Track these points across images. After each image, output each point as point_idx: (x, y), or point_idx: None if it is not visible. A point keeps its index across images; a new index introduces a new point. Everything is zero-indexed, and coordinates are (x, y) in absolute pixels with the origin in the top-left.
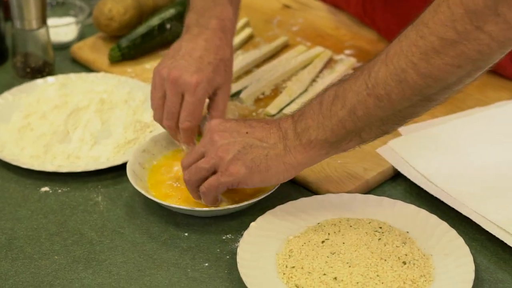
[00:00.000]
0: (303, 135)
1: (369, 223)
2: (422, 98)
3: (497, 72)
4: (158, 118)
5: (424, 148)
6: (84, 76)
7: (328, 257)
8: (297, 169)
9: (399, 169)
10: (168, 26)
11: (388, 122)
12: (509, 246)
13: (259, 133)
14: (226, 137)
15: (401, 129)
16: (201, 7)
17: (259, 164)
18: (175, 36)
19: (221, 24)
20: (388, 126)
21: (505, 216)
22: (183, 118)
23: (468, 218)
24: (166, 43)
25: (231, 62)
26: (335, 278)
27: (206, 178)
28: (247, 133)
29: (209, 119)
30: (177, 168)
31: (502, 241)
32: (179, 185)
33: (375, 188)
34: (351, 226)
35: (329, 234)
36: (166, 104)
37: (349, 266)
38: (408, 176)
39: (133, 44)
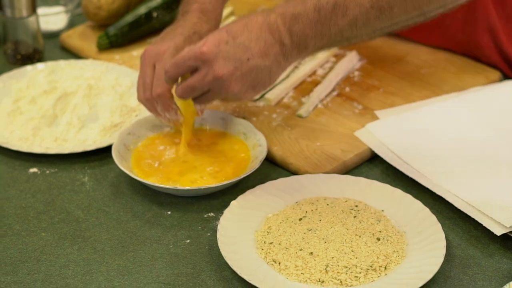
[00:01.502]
0: (301, 44)
1: (346, 201)
2: (419, 13)
3: (474, 56)
4: (139, 97)
5: (400, 131)
6: (73, 62)
7: (304, 233)
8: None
9: (376, 151)
10: (155, 14)
11: (380, 31)
12: (480, 224)
13: (259, 50)
14: (232, 73)
15: (378, 113)
16: None
17: (264, 82)
18: (162, 24)
19: (200, 7)
20: (378, 34)
21: (477, 195)
22: (154, 86)
23: (442, 198)
24: (153, 31)
25: (205, 36)
26: (311, 253)
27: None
28: (248, 59)
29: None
30: (161, 148)
31: (474, 220)
32: (159, 165)
33: (352, 169)
34: (328, 204)
35: (306, 212)
36: (140, 77)
37: (325, 242)
38: (385, 158)
39: (121, 32)
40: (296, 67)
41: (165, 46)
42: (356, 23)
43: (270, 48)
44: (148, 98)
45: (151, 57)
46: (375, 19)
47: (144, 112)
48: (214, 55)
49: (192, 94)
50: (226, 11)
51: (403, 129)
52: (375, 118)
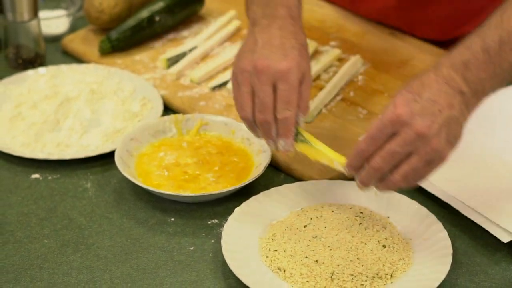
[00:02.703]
0: (478, 89)
1: (351, 208)
2: None
3: None
4: (247, 115)
5: None
6: (74, 67)
7: (310, 240)
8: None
9: None
10: (157, 18)
11: None
12: (487, 231)
13: (445, 104)
14: (432, 127)
15: None
16: None
17: (456, 134)
18: (164, 28)
19: (289, 12)
20: None
21: (484, 202)
22: (281, 108)
23: (448, 204)
24: (155, 35)
25: (307, 48)
26: (316, 261)
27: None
28: (439, 111)
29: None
30: (162, 154)
31: (480, 227)
32: (163, 172)
33: None
34: (333, 211)
35: (311, 218)
36: (257, 96)
37: (330, 249)
38: None
39: (123, 36)
40: None
41: (285, 64)
42: None
43: (453, 99)
44: (267, 121)
45: (269, 74)
46: None
47: (146, 117)
48: (410, 115)
49: (391, 163)
50: (229, 14)
51: None
52: None
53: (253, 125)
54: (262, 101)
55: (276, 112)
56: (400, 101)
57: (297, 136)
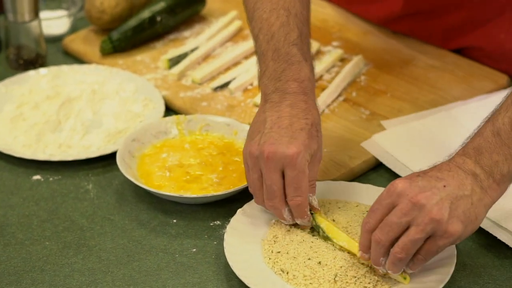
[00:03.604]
0: (494, 172)
1: (356, 206)
2: None
3: (482, 61)
4: (260, 201)
5: (407, 141)
6: (76, 67)
7: (312, 242)
8: (490, 208)
9: (383, 162)
10: (158, 19)
11: None
12: (489, 233)
13: (453, 182)
14: (431, 197)
15: (384, 123)
16: (274, 70)
17: (469, 215)
18: (166, 28)
19: (301, 86)
20: None
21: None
22: (292, 195)
23: None
24: (156, 36)
25: (320, 124)
26: (320, 263)
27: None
28: (444, 186)
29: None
30: (165, 155)
31: (483, 228)
32: (165, 173)
33: (359, 176)
34: (339, 208)
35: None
36: (265, 183)
37: (334, 250)
38: (392, 169)
39: (124, 37)
40: None
41: (293, 149)
42: None
43: (465, 179)
44: (276, 207)
45: (277, 161)
46: None
47: (148, 118)
48: (409, 186)
49: (390, 235)
50: (231, 15)
51: (410, 139)
52: (382, 128)
53: (274, 211)
54: (270, 189)
55: (287, 198)
56: (404, 177)
57: (313, 220)
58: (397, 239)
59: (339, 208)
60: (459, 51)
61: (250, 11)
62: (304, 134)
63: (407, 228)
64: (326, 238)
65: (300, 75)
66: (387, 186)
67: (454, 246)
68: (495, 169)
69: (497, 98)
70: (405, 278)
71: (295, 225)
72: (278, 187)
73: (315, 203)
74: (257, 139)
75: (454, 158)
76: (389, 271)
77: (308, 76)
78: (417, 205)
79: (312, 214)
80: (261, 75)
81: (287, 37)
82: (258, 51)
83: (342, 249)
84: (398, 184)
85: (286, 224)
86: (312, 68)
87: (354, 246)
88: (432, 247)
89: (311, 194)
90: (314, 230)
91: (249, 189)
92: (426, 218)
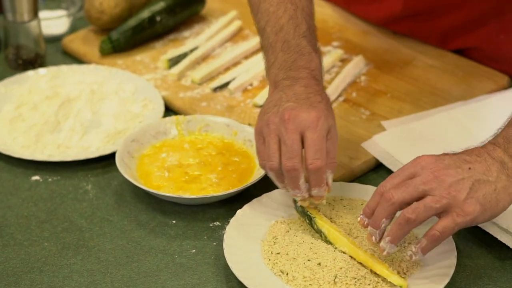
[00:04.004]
0: None
1: (362, 204)
2: None
3: (482, 62)
4: (274, 165)
5: (407, 142)
6: (75, 67)
7: (312, 243)
8: None
9: (384, 163)
10: (158, 19)
11: None
12: (490, 234)
13: (480, 167)
14: (453, 175)
15: (385, 124)
16: (284, 60)
17: (490, 200)
18: (165, 28)
19: (312, 74)
20: None
21: None
22: (312, 157)
23: None
24: (156, 36)
25: (331, 108)
26: (319, 264)
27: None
28: (469, 168)
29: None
30: (164, 155)
31: (484, 229)
32: (164, 174)
33: (360, 177)
34: (344, 206)
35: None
36: (284, 144)
37: (334, 251)
38: (393, 169)
39: (124, 37)
40: None
41: (314, 114)
42: None
43: (492, 166)
44: (296, 168)
45: (298, 123)
46: None
47: (147, 118)
48: (434, 161)
49: (407, 198)
50: (231, 15)
51: (410, 139)
52: (382, 129)
53: (280, 175)
54: (290, 148)
55: (306, 162)
56: (431, 154)
57: (315, 224)
58: (406, 204)
59: (344, 206)
60: (459, 52)
61: (255, 4)
62: (322, 106)
63: (421, 198)
64: (327, 242)
65: (311, 65)
66: (413, 159)
67: (454, 247)
68: None
69: (498, 98)
70: (401, 287)
71: (295, 227)
72: (299, 146)
73: (330, 181)
74: (275, 110)
75: (485, 145)
76: (386, 238)
77: (318, 67)
78: (438, 178)
79: (312, 218)
80: (269, 66)
81: (296, 29)
82: (265, 43)
83: (342, 250)
84: (425, 158)
85: (300, 198)
86: (321, 61)
87: (355, 252)
88: (449, 223)
89: (329, 171)
90: (316, 232)
91: (260, 159)
92: (444, 192)
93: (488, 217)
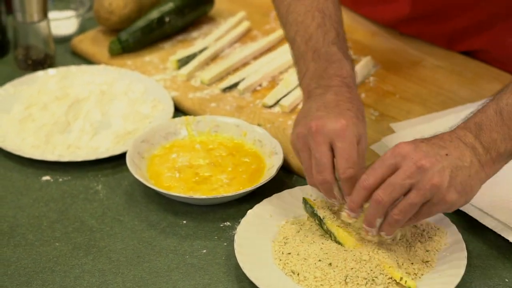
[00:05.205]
0: (491, 149)
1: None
2: None
3: (489, 64)
4: (311, 182)
5: None
6: (84, 68)
7: (323, 243)
8: (483, 184)
9: None
10: (167, 19)
11: None
12: (500, 235)
13: (455, 153)
14: (435, 164)
15: (394, 126)
16: (315, 69)
17: (466, 186)
18: (174, 29)
19: (343, 82)
20: None
21: (494, 205)
22: (344, 166)
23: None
24: (165, 36)
25: (364, 113)
26: (330, 264)
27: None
28: (446, 154)
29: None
30: (175, 156)
31: (493, 230)
32: (175, 174)
33: None
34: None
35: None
36: (314, 157)
37: (345, 251)
38: None
39: (133, 37)
40: None
41: (342, 122)
42: None
43: (464, 150)
44: (327, 181)
45: (326, 134)
46: None
47: (157, 119)
48: (414, 149)
49: (392, 195)
50: (239, 15)
51: None
52: (391, 131)
53: (322, 188)
54: (319, 162)
55: (339, 172)
56: (408, 141)
57: (324, 224)
58: (395, 200)
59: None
60: (466, 54)
61: (283, 15)
62: (351, 114)
63: (408, 191)
64: (337, 243)
65: (342, 72)
66: (391, 148)
67: (464, 247)
68: (492, 146)
69: None
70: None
71: (305, 227)
72: (328, 159)
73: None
74: (304, 122)
75: (455, 130)
76: (381, 233)
77: (350, 73)
78: (421, 168)
79: (322, 219)
80: (302, 76)
81: (325, 37)
82: (296, 53)
83: (352, 250)
84: (403, 146)
85: (338, 205)
86: (353, 66)
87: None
88: (426, 212)
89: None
90: (326, 233)
91: (305, 170)
92: (428, 184)
93: (462, 203)
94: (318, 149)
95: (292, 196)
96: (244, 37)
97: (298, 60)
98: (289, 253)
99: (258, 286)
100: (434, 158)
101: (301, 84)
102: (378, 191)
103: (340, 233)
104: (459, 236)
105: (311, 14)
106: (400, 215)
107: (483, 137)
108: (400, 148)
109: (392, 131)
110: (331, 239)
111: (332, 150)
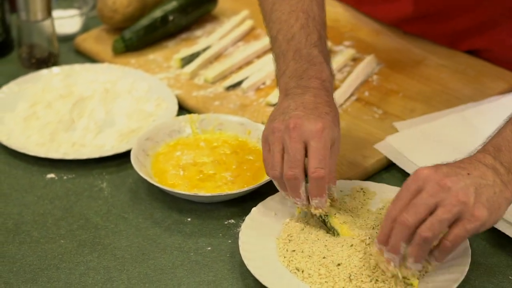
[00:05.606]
0: None
1: (380, 207)
2: None
3: (493, 62)
4: (276, 174)
5: (420, 143)
6: (88, 66)
7: (327, 240)
8: (510, 203)
9: (397, 163)
10: (170, 18)
11: None
12: (504, 233)
13: (476, 172)
14: (457, 181)
15: (397, 125)
16: (295, 69)
17: (493, 203)
18: (177, 28)
19: (322, 85)
20: None
21: None
22: (315, 166)
23: None
24: (168, 35)
25: (339, 120)
26: (334, 261)
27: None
28: (468, 174)
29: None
30: (179, 154)
31: (497, 228)
32: (179, 172)
33: (373, 175)
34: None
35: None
36: (287, 153)
37: (348, 249)
38: (406, 169)
39: (137, 36)
40: None
41: (320, 124)
42: None
43: (486, 171)
44: (296, 177)
45: (302, 132)
46: None
47: (161, 117)
48: (434, 171)
49: (418, 216)
50: (243, 14)
51: (422, 140)
52: (395, 130)
53: (282, 183)
54: (292, 158)
55: (309, 171)
56: (428, 166)
57: (328, 221)
58: (422, 222)
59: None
60: (469, 53)
61: (267, 12)
62: (329, 118)
63: (433, 212)
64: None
65: (322, 75)
66: (412, 174)
67: (468, 245)
68: None
69: (509, 99)
70: (412, 285)
71: (309, 224)
72: (301, 156)
73: (335, 194)
74: (281, 118)
75: (474, 155)
76: (409, 259)
77: (329, 77)
78: (444, 187)
79: (326, 215)
80: (280, 75)
81: (308, 38)
82: (276, 51)
83: (357, 248)
84: (423, 170)
85: (301, 206)
86: (331, 71)
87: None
88: (460, 232)
89: (332, 185)
90: (329, 230)
91: (265, 166)
92: (454, 200)
93: (492, 221)
94: (293, 145)
95: None
96: (248, 36)
97: (278, 58)
98: (294, 251)
99: (263, 283)
100: (456, 177)
101: (279, 82)
102: (402, 214)
103: (344, 230)
104: None
105: (295, 14)
106: (428, 232)
107: (503, 157)
108: (420, 173)
109: (396, 129)
110: (335, 236)
111: (305, 150)
